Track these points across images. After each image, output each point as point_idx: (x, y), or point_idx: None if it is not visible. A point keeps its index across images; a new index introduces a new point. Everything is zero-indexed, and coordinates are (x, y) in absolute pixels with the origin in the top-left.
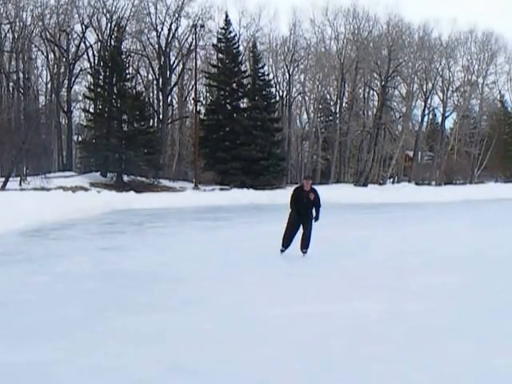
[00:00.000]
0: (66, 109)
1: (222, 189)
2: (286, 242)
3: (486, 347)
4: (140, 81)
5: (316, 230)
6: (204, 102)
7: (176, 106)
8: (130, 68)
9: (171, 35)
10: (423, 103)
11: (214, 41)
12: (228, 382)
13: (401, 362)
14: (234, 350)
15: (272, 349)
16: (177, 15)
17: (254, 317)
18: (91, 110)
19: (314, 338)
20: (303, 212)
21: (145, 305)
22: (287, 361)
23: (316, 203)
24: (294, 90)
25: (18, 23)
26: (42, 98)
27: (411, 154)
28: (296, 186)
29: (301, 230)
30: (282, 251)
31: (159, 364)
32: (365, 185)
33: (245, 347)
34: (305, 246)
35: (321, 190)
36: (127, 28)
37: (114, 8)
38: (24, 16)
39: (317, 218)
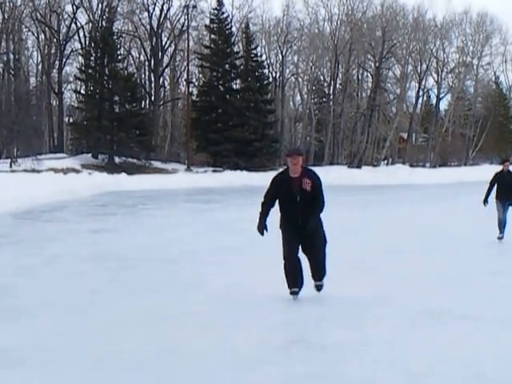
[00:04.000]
0: (56, 90)
1: (214, 171)
2: (294, 275)
3: (485, 330)
4: (132, 62)
5: None
6: (196, 84)
7: (168, 87)
8: (122, 49)
9: (163, 16)
10: (417, 85)
11: (207, 22)
12: (219, 365)
13: (396, 345)
14: (226, 333)
15: (264, 332)
16: None
17: (245, 300)
18: (82, 92)
19: (307, 320)
20: (301, 218)
21: (136, 287)
22: (278, 344)
23: (317, 198)
24: (288, 71)
25: (7, 4)
26: (32, 80)
27: (405, 135)
28: (278, 171)
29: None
30: (295, 293)
31: (152, 347)
32: (358, 167)
33: (236, 330)
34: (317, 272)
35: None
36: (118, 8)
37: None
38: None
39: (312, 225)
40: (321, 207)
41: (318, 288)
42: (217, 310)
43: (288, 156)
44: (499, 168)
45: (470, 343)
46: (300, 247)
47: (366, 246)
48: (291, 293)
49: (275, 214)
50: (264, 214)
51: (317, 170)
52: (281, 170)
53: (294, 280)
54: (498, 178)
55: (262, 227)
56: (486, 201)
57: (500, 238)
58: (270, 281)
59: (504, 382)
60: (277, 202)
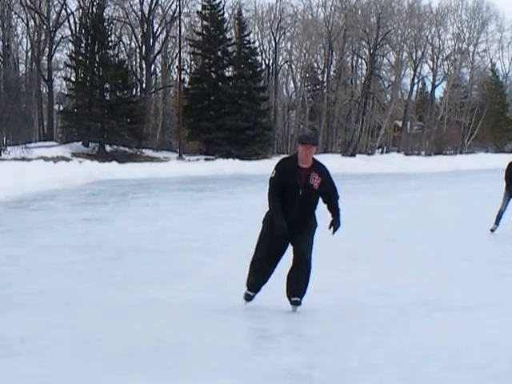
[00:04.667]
0: (46, 77)
1: (206, 159)
2: (258, 278)
3: (474, 319)
4: (123, 49)
5: None
6: (188, 71)
7: (159, 74)
8: (113, 36)
9: (154, 2)
10: (412, 72)
11: (199, 8)
12: (211, 354)
13: (387, 334)
14: (219, 323)
15: (256, 322)
16: None
17: (237, 290)
18: (73, 79)
19: (299, 310)
20: (296, 216)
21: (127, 277)
22: (270, 334)
23: (330, 195)
24: (281, 58)
25: None
26: (22, 67)
27: (400, 123)
28: (283, 157)
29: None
30: (249, 298)
31: (142, 336)
32: (353, 155)
33: (228, 320)
34: (298, 289)
35: None
36: None
37: None
38: None
39: (336, 226)
40: (335, 202)
41: (296, 303)
42: (208, 299)
43: (301, 143)
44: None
45: (458, 332)
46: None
47: (360, 235)
48: (246, 295)
49: (265, 206)
50: (280, 209)
51: None
52: (286, 155)
53: (256, 284)
54: (510, 168)
55: (283, 226)
56: None
57: (492, 231)
58: None
59: (493, 371)
60: None
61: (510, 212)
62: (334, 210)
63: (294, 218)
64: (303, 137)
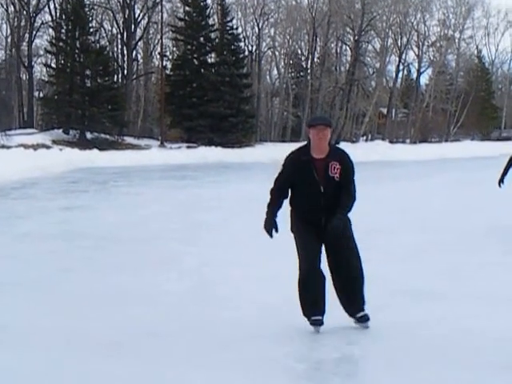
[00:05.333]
0: (26, 64)
1: (188, 146)
2: (315, 298)
3: (458, 310)
4: (104, 35)
5: None
6: (170, 57)
7: (141, 61)
8: (94, 21)
9: None
10: (398, 58)
11: None
12: (194, 345)
13: (371, 324)
14: (198, 313)
15: (238, 312)
16: None
17: (219, 279)
18: (53, 65)
19: (284, 301)
20: (326, 218)
21: (108, 266)
22: (253, 323)
23: (347, 188)
24: (264, 44)
25: None
26: (1, 53)
27: (385, 110)
28: (293, 149)
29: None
30: (318, 324)
31: (123, 326)
32: (337, 142)
33: (208, 309)
34: (355, 299)
35: (291, 147)
36: None
37: None
38: None
39: (338, 226)
40: (352, 201)
41: (364, 319)
42: (191, 289)
43: (311, 126)
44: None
45: (444, 322)
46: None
47: None
48: (313, 323)
49: (248, 194)
50: (274, 207)
51: (294, 146)
52: (298, 146)
53: (316, 304)
54: None
55: (271, 225)
56: (501, 181)
57: None
58: (245, 259)
59: (479, 361)
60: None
61: None
62: (342, 206)
63: (323, 219)
64: (313, 118)
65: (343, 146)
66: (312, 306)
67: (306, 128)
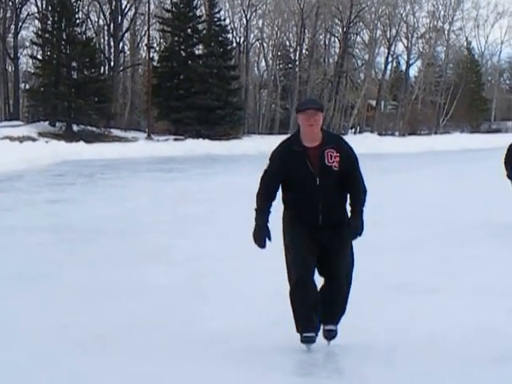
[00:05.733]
0: (12, 55)
1: (176, 139)
2: (308, 312)
3: (448, 303)
4: (90, 26)
5: None
6: (157, 49)
7: (128, 52)
8: (80, 13)
9: None
10: (386, 50)
11: None
12: (184, 338)
13: (359, 318)
14: (187, 306)
15: (225, 305)
16: None
17: (208, 272)
18: (39, 57)
19: (273, 294)
20: (321, 216)
21: (95, 259)
22: (242, 316)
23: (351, 177)
24: (252, 36)
25: None
26: None
27: (374, 103)
28: (281, 140)
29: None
30: (310, 341)
31: (112, 319)
32: None
33: (197, 303)
34: (332, 313)
35: (279, 140)
36: None
37: None
38: None
39: (357, 231)
40: (364, 194)
41: (330, 335)
42: (179, 282)
43: (300, 111)
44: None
45: (432, 315)
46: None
47: None
48: (304, 340)
49: (236, 186)
50: (263, 212)
51: (282, 138)
52: (286, 136)
53: (308, 319)
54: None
55: (262, 234)
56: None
57: None
58: (234, 252)
59: (467, 354)
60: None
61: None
62: (356, 204)
63: (320, 216)
64: (302, 102)
65: None
66: (305, 321)
67: (296, 116)
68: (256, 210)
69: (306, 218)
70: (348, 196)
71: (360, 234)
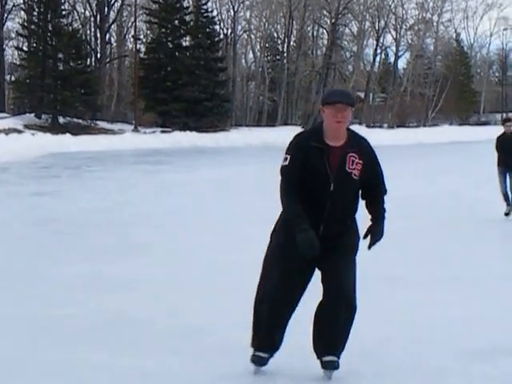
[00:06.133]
0: None
1: (163, 131)
2: (269, 329)
3: (436, 296)
4: (76, 17)
5: (257, 175)
6: (144, 40)
7: (114, 44)
8: (66, 4)
9: None
10: (375, 42)
11: None
12: (167, 330)
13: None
14: (175, 299)
15: (212, 298)
16: None
17: (195, 264)
18: (25, 48)
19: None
20: (326, 226)
21: (81, 252)
22: (225, 309)
23: (374, 187)
24: (240, 27)
25: None
26: None
27: (362, 95)
28: (298, 132)
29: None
30: (260, 361)
31: (97, 313)
32: None
33: (186, 296)
34: (332, 342)
35: (267, 132)
36: None
37: None
38: None
39: (377, 237)
40: (381, 199)
41: (331, 366)
42: (164, 275)
43: (327, 104)
44: (500, 131)
45: (421, 308)
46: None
47: None
48: (253, 358)
49: (223, 180)
50: (301, 215)
51: (270, 131)
52: (303, 130)
53: (268, 338)
54: (500, 143)
55: (311, 241)
56: None
57: (507, 214)
58: (221, 245)
59: (455, 347)
60: None
61: None
62: (378, 212)
63: (321, 227)
64: (331, 92)
65: None
66: (262, 339)
67: (320, 109)
68: (293, 212)
69: (308, 229)
70: (367, 201)
71: (378, 241)
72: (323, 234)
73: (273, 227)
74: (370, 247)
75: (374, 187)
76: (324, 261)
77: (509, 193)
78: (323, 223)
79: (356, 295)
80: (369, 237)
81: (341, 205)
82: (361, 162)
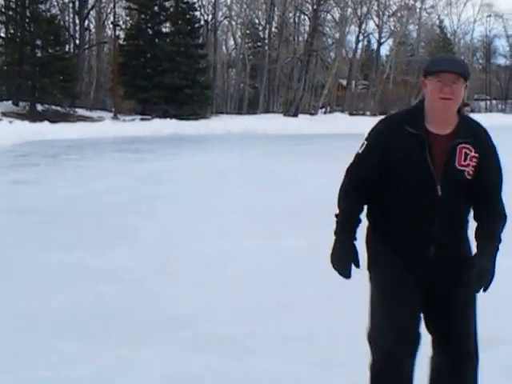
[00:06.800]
0: None
1: (143, 119)
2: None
3: None
4: (55, 3)
5: (238, 162)
6: (123, 27)
7: (93, 30)
8: None
9: None
10: (357, 29)
11: None
12: (149, 322)
13: (334, 301)
14: (154, 289)
15: (199, 287)
16: None
17: (179, 254)
18: (2, 35)
19: (243, 276)
20: (436, 244)
21: (60, 241)
22: (211, 301)
23: (487, 191)
24: (220, 13)
25: None
26: None
27: (344, 82)
28: (391, 115)
29: None
30: None
31: (76, 304)
32: (295, 115)
33: (170, 285)
34: None
35: (248, 120)
36: None
37: None
38: None
39: (487, 273)
40: (504, 222)
41: None
42: (147, 264)
43: (430, 74)
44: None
45: None
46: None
47: (302, 199)
48: None
49: (206, 167)
50: (347, 221)
51: (251, 118)
52: (389, 113)
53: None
54: None
55: (346, 258)
56: None
57: None
58: (202, 234)
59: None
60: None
61: None
62: (487, 235)
63: (429, 250)
64: (439, 60)
65: (301, 118)
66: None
67: (421, 80)
68: (337, 216)
69: (407, 250)
70: (476, 214)
71: (488, 285)
72: (435, 257)
73: (367, 256)
74: (477, 291)
75: (488, 198)
76: (437, 293)
77: None
78: (434, 243)
79: (477, 337)
80: (471, 277)
81: (452, 215)
82: (476, 155)
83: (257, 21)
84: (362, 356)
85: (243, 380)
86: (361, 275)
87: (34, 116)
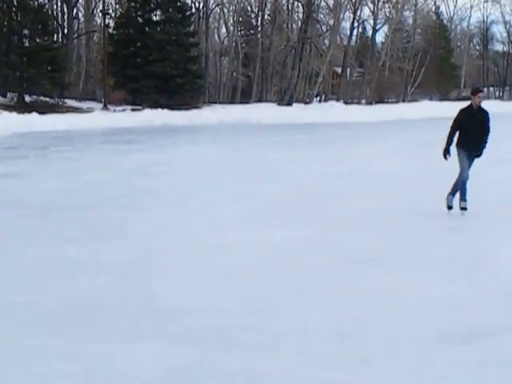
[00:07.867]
0: None
1: (133, 109)
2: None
3: (414, 277)
4: None
5: (231, 153)
6: (113, 15)
7: (82, 19)
8: None
9: None
10: (352, 15)
11: None
12: (136, 316)
13: (328, 293)
14: (143, 283)
15: (188, 280)
16: None
17: (168, 247)
18: None
19: (234, 268)
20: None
21: (49, 235)
22: (199, 292)
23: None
24: (212, 1)
25: None
26: None
27: (339, 70)
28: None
29: None
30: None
31: (66, 298)
32: (289, 104)
33: (158, 279)
34: None
35: (241, 109)
36: None
37: None
38: None
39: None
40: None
41: None
42: (136, 258)
43: None
44: (465, 103)
45: (398, 290)
46: None
47: (295, 188)
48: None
49: (197, 157)
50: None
51: (244, 108)
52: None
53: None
54: (464, 117)
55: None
56: (447, 151)
57: (450, 208)
58: (192, 227)
59: (432, 330)
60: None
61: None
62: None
63: (473, 147)
64: None
65: (295, 107)
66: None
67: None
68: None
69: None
70: None
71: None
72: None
73: None
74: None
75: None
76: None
77: (467, 185)
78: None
79: None
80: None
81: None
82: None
83: (249, 8)
84: (352, 348)
85: (231, 373)
86: (352, 272)
87: (21, 107)
